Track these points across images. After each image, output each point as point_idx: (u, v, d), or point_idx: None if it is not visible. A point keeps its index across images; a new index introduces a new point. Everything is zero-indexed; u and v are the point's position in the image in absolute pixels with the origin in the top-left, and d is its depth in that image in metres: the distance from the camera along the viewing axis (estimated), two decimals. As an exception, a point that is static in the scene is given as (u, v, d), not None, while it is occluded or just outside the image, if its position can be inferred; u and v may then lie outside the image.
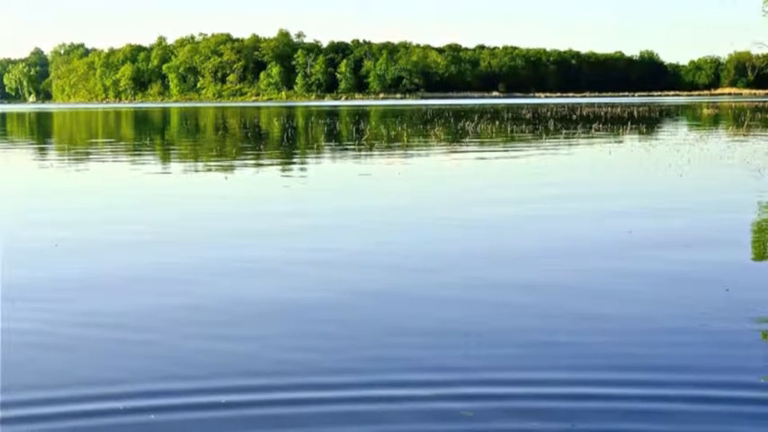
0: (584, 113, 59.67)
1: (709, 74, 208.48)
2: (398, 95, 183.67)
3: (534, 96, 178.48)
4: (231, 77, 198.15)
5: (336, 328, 6.37)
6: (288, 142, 31.93)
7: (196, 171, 20.64)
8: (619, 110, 66.61)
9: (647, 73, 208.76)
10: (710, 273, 8.09)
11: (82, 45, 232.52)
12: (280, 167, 21.11)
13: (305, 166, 21.76)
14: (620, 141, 29.53)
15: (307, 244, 9.79)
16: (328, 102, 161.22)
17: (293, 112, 79.40)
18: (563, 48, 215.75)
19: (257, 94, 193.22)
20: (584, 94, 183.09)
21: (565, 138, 31.71)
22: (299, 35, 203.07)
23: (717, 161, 20.65)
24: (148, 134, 42.48)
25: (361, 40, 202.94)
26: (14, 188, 17.42)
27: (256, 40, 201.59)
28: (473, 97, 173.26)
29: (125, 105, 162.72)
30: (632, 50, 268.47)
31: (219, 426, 4.58)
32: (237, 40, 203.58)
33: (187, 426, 4.58)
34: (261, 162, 22.51)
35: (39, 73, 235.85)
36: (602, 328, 6.26)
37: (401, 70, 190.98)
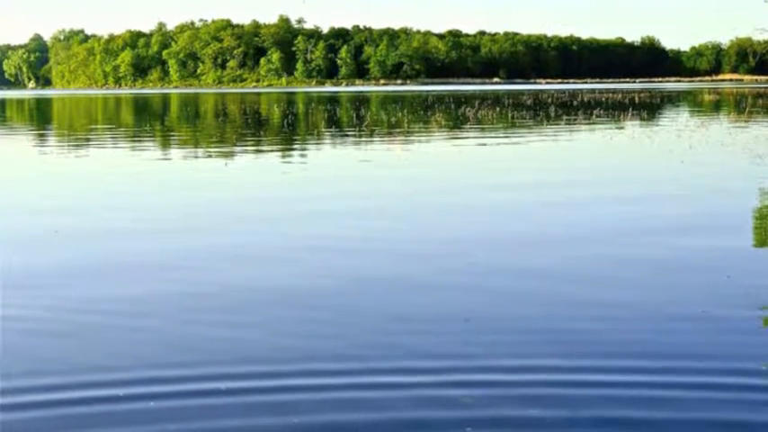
0: (586, 99, 59.54)
1: (711, 60, 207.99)
2: (399, 81, 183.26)
3: (535, 82, 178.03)
4: (231, 63, 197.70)
5: (336, 314, 6.36)
6: (288, 128, 31.87)
7: (196, 157, 20.60)
8: (620, 96, 66.45)
9: (648, 59, 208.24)
10: (711, 259, 8.07)
11: (82, 31, 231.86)
12: (280, 154, 21.08)
13: (305, 152, 21.72)
14: (622, 127, 29.47)
15: (306, 230, 9.77)
16: (329, 88, 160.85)
17: (293, 99, 79.26)
18: (564, 34, 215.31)
19: (257, 81, 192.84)
20: (585, 81, 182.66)
21: (566, 124, 31.65)
22: (299, 21, 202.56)
23: (718, 147, 20.60)
24: (148, 120, 42.41)
25: (361, 26, 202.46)
26: (14, 174, 17.38)
27: (256, 26, 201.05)
28: (474, 83, 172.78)
29: (125, 91, 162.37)
30: (633, 36, 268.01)
31: (220, 412, 4.57)
32: (238, 26, 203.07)
33: (187, 413, 4.57)
34: (261, 148, 22.47)
35: (38, 59, 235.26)
36: (602, 315, 6.25)
37: (402, 56, 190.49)
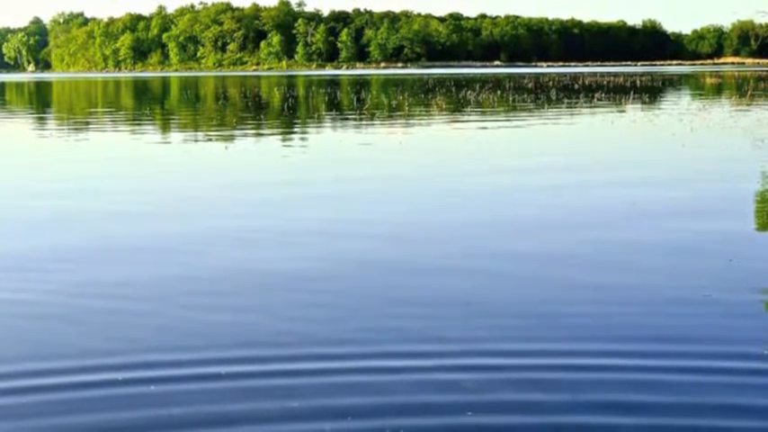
0: (587, 83, 59.37)
1: (712, 43, 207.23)
2: (400, 64, 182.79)
3: (536, 66, 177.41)
4: (231, 47, 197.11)
5: (337, 298, 6.33)
6: (288, 112, 31.79)
7: (196, 141, 20.54)
8: (621, 79, 66.25)
9: (649, 42, 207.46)
10: (713, 243, 8.04)
11: (81, 14, 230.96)
12: (280, 137, 21.02)
13: (305, 135, 21.66)
14: (623, 111, 29.39)
15: (307, 214, 9.74)
16: (329, 71, 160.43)
17: (294, 82, 79.04)
18: (565, 17, 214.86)
19: (258, 64, 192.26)
20: (586, 64, 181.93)
21: (567, 107, 31.56)
22: (299, 4, 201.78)
23: (720, 131, 20.54)
24: (148, 104, 42.31)
25: (362, 9, 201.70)
26: (14, 158, 17.34)
27: (257, 8, 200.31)
28: (475, 66, 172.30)
29: (125, 75, 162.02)
30: (635, 19, 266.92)
31: (219, 397, 4.55)
32: (238, 8, 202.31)
33: (187, 397, 4.55)
34: (261, 132, 22.41)
35: (38, 42, 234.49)
36: (603, 299, 6.23)
37: (402, 39, 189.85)
